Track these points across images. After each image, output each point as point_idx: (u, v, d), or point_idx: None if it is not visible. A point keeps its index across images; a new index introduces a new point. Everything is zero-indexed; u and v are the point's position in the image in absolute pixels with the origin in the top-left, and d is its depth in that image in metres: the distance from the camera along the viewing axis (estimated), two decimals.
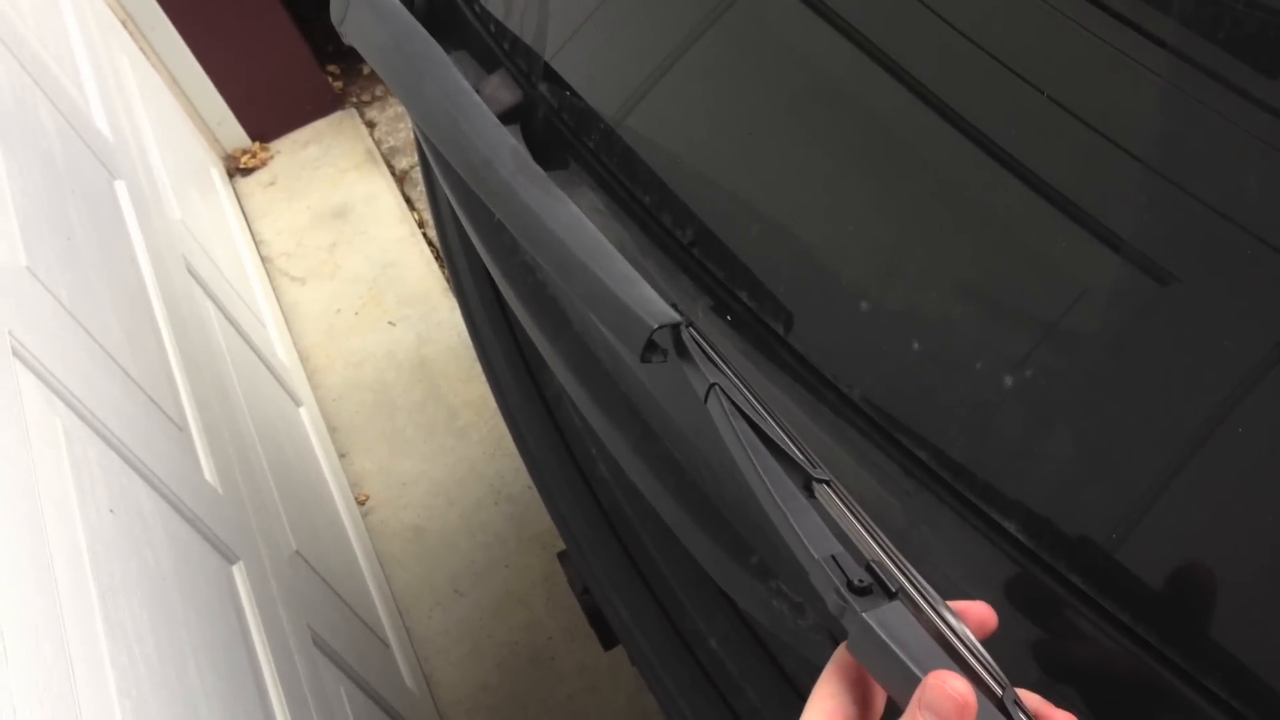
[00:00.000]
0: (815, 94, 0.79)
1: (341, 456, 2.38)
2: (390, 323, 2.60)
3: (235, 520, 1.47)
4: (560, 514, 1.23)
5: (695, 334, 0.64)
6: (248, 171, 2.98)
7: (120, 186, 1.77)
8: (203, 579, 1.26)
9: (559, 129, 0.93)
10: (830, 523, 0.54)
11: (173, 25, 2.67)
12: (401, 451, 2.37)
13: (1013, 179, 0.66)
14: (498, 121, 0.84)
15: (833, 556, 0.51)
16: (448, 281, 2.62)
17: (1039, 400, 0.61)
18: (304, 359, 2.57)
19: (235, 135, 2.97)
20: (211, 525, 1.35)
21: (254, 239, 2.82)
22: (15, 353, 1.07)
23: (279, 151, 3.02)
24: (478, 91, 0.88)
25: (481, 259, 1.14)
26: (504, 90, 0.96)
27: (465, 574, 2.17)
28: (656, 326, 0.65)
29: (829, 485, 0.57)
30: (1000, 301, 0.66)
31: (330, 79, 3.07)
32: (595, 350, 0.97)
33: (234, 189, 2.94)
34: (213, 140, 2.95)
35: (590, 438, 1.20)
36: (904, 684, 0.45)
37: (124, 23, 2.58)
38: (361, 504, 2.30)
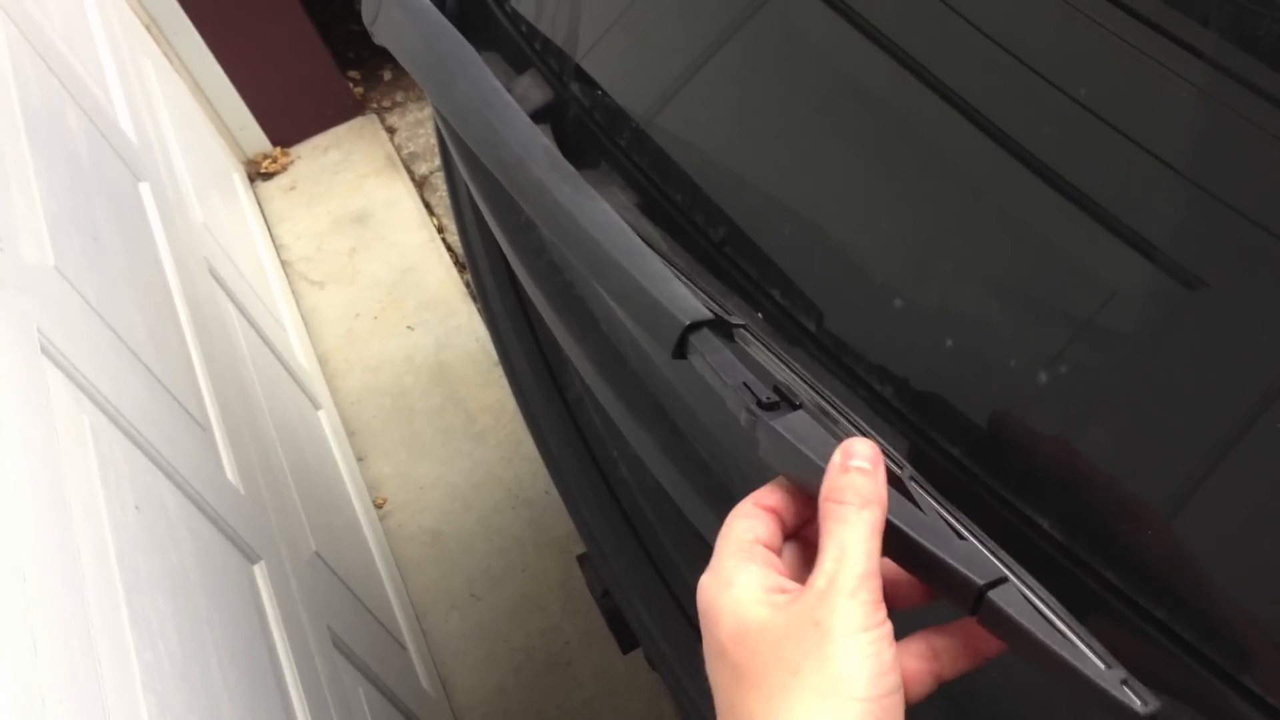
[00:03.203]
0: (845, 95, 0.79)
1: (360, 460, 2.39)
2: (409, 327, 2.61)
3: (256, 520, 1.47)
4: (581, 516, 1.23)
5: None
6: (269, 176, 3.00)
7: (145, 189, 1.78)
8: (225, 578, 1.27)
9: (590, 128, 0.93)
10: (747, 359, 0.62)
11: (196, 30, 2.68)
12: (419, 456, 2.38)
13: (1042, 182, 0.66)
14: (529, 121, 0.84)
15: (744, 383, 0.58)
16: (467, 286, 2.63)
17: (1070, 399, 0.61)
18: (323, 363, 2.58)
19: (257, 140, 2.99)
20: (234, 524, 1.36)
21: (274, 243, 2.84)
22: (44, 350, 1.07)
23: (300, 156, 3.03)
24: (509, 91, 0.88)
25: (505, 261, 1.15)
26: (535, 90, 0.96)
27: (482, 578, 2.17)
28: (689, 324, 0.66)
29: (745, 329, 0.65)
30: (1029, 305, 0.66)
31: (351, 85, 3.09)
32: (622, 350, 0.97)
33: (255, 193, 2.95)
34: (234, 145, 2.96)
35: (612, 439, 1.20)
36: (813, 476, 0.52)
37: (148, 27, 2.60)
38: (379, 507, 2.31)
